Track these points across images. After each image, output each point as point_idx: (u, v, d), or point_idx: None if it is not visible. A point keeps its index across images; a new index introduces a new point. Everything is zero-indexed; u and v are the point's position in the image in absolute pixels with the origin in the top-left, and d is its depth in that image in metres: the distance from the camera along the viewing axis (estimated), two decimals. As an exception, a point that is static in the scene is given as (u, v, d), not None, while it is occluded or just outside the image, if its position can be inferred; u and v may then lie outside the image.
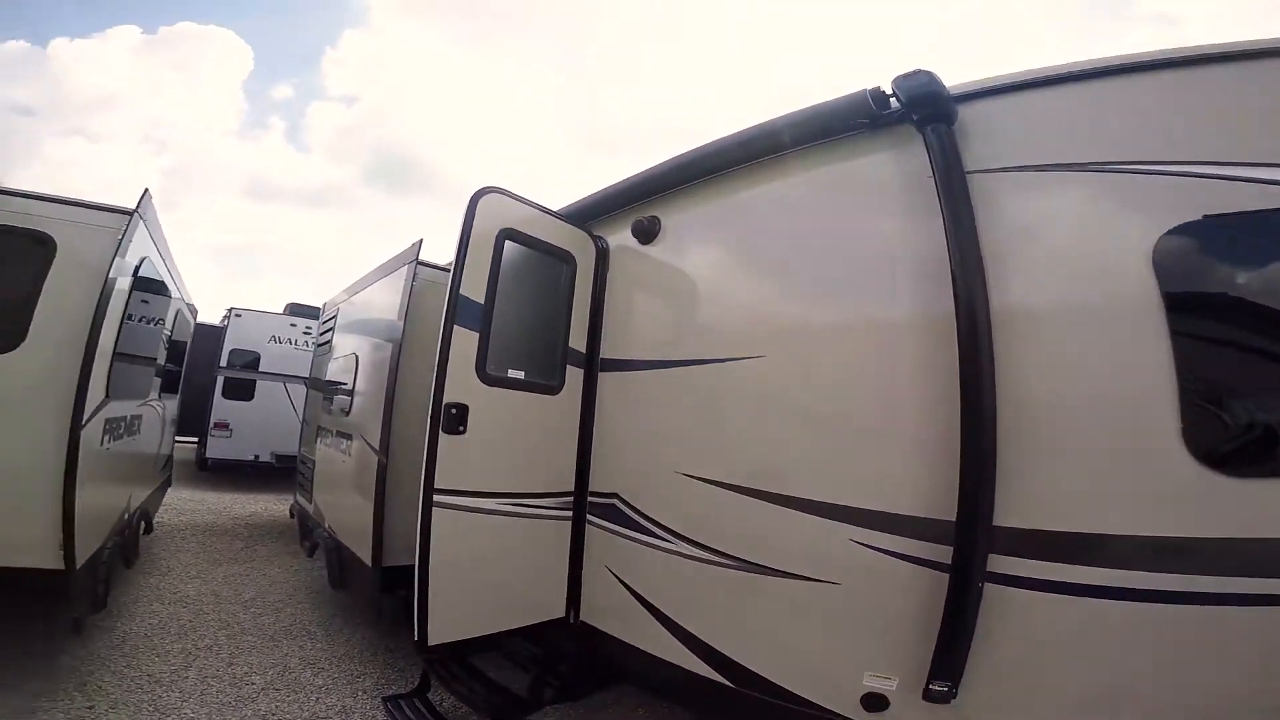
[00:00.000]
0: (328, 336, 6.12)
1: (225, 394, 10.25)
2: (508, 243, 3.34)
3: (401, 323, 4.15)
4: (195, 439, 10.63)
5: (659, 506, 3.20)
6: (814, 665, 2.60)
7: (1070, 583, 2.06)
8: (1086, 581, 2.05)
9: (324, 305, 6.72)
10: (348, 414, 4.89)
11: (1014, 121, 2.41)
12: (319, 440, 5.74)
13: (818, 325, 2.73)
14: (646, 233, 3.54)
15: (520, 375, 3.35)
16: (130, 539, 4.98)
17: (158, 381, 5.59)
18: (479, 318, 3.14)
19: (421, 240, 4.36)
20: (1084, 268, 2.22)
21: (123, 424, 4.41)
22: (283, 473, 10.33)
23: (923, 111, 2.41)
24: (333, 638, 4.63)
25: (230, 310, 10.53)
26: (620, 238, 3.76)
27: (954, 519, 2.17)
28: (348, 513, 4.71)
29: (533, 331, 3.55)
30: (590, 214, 3.90)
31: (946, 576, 2.18)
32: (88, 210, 3.79)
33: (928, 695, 2.19)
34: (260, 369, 10.20)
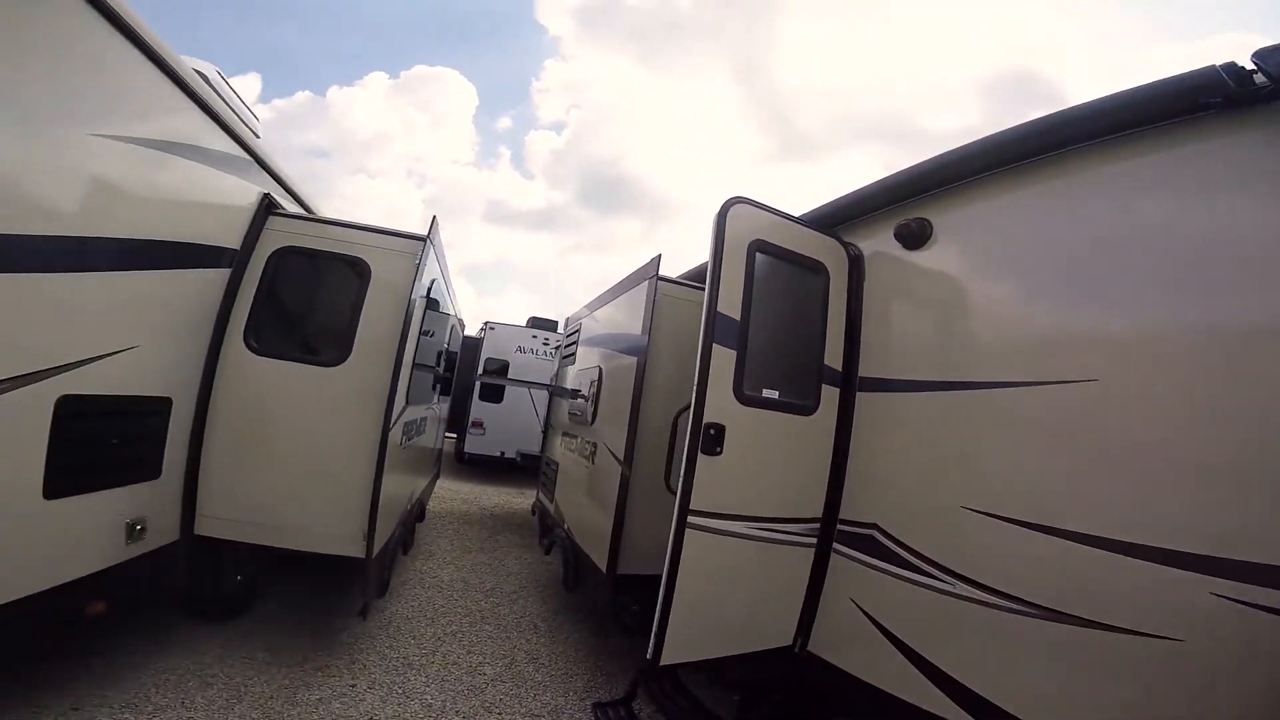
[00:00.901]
0: (572, 349, 6.47)
1: (481, 397, 11.48)
2: (758, 254, 3.14)
3: (645, 337, 4.15)
4: (455, 434, 12.03)
5: (931, 541, 2.81)
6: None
7: None
8: None
9: (566, 320, 7.15)
10: (591, 423, 5.05)
11: None
12: (562, 445, 6.06)
13: (1178, 343, 2.13)
14: (914, 237, 3.13)
15: (775, 395, 3.12)
16: (410, 528, 5.61)
17: (437, 387, 6.32)
18: (736, 335, 2.97)
19: (660, 255, 4.34)
20: None
21: (414, 426, 4.99)
22: (524, 470, 11.28)
23: None
24: (554, 634, 4.87)
25: (486, 324, 11.84)
26: (875, 244, 3.40)
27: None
28: (587, 518, 4.86)
29: (786, 348, 3.31)
30: (837, 219, 3.59)
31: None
32: (391, 237, 4.33)
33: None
34: (508, 375, 11.26)
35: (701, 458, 2.86)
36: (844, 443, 3.28)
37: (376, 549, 3.88)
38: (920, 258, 3.14)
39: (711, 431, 2.87)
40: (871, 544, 3.06)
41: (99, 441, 2.93)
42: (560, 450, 6.13)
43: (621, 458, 4.09)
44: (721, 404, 2.91)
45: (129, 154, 2.81)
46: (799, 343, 3.32)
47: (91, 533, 2.92)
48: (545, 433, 11.11)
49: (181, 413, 3.57)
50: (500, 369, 11.41)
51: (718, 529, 2.97)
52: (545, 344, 11.63)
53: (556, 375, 7.23)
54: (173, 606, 4.07)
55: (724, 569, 3.07)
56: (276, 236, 4.16)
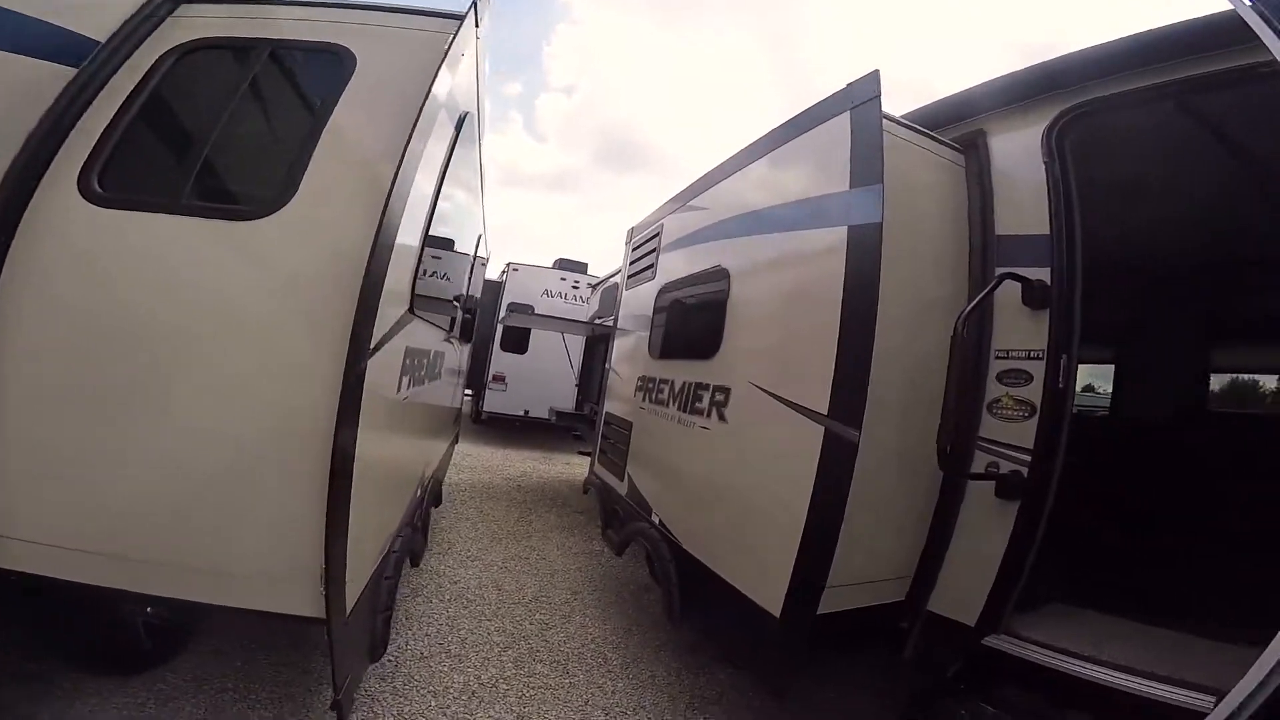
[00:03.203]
0: (647, 260, 4.28)
1: (503, 346, 9.32)
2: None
3: (872, 192, 2.01)
4: (471, 391, 9.95)
5: None
6: None
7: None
8: None
9: (631, 231, 4.94)
10: (710, 357, 2.94)
11: None
12: (641, 396, 3.93)
13: None
14: None
15: None
16: (421, 528, 3.55)
17: (457, 314, 4.15)
18: None
19: (878, 71, 2.18)
20: None
21: (426, 361, 2.83)
22: (555, 430, 9.24)
23: None
24: (630, 670, 3.05)
25: (508, 265, 9.60)
26: None
27: None
28: (716, 515, 2.78)
29: None
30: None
31: None
32: (397, 14, 2.21)
33: None
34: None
35: None
36: None
37: (354, 597, 1.81)
38: None
39: None
40: None
41: None
42: (637, 404, 3.99)
43: (824, 410, 2.00)
44: None
45: None
46: None
47: None
48: (584, 383, 9.13)
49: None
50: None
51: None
52: (575, 287, 9.44)
53: (617, 305, 5.06)
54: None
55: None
56: (185, 27, 2.13)
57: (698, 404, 2.99)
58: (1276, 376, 4.31)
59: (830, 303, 2.06)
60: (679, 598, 2.91)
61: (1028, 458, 2.13)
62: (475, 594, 3.76)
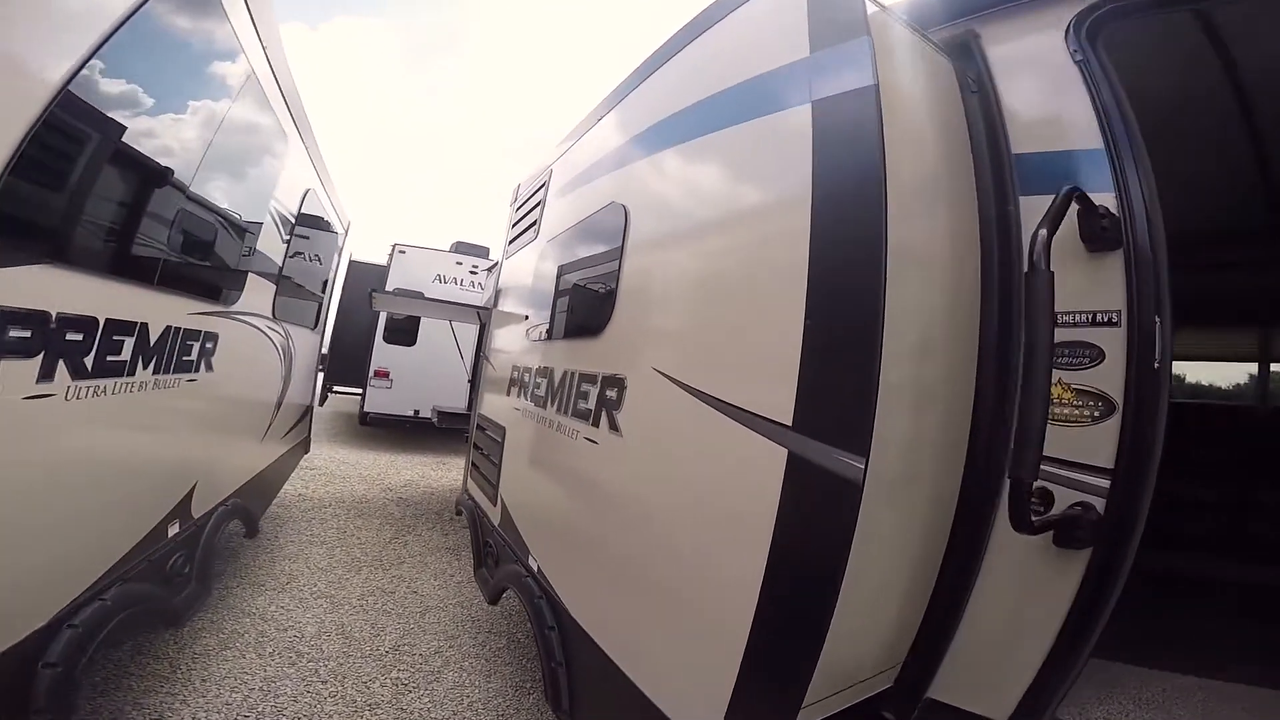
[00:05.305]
0: (530, 218, 3.20)
1: (387, 338, 7.89)
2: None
3: (854, 48, 1.09)
4: (359, 390, 8.43)
5: None
6: None
7: None
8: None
9: (518, 187, 3.85)
10: (598, 333, 1.95)
11: None
12: (515, 391, 2.88)
13: None
14: None
15: None
16: (196, 575, 2.41)
17: (266, 287, 2.91)
18: None
19: None
20: None
21: (124, 341, 1.64)
22: (453, 432, 8.00)
23: None
24: None
25: (395, 246, 8.13)
26: None
27: None
28: (611, 579, 1.78)
29: None
30: None
31: None
32: None
33: None
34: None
35: None
36: None
37: None
38: None
39: None
40: None
41: None
42: (510, 402, 2.93)
43: (788, 419, 1.06)
44: None
45: None
46: None
47: None
48: (477, 378, 7.72)
49: None
50: (412, 304, 7.88)
51: None
52: (474, 272, 8.16)
53: (496, 279, 3.96)
54: None
55: None
56: None
57: (581, 403, 1.99)
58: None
59: (791, 231, 1.12)
60: (568, 682, 1.91)
61: (1104, 482, 1.28)
62: (311, 645, 2.70)
